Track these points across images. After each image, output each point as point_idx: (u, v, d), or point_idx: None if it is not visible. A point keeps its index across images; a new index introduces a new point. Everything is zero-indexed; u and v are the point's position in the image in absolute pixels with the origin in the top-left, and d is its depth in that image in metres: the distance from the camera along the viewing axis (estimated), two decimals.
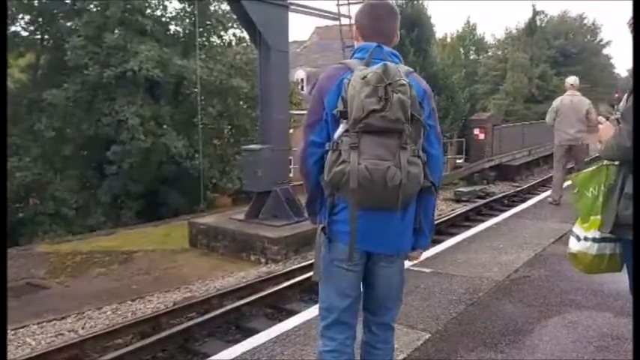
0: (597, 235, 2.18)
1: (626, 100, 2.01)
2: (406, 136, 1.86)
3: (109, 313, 7.66)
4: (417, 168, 1.89)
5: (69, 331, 7.03)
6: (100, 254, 11.26)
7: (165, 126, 17.29)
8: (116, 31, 16.45)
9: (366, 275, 2.10)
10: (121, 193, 17.16)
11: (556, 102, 7.95)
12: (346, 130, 1.88)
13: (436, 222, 10.86)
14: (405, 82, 1.87)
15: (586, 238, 2.22)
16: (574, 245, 2.29)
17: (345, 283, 2.06)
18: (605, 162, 2.19)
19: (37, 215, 16.09)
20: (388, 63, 1.91)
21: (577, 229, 2.28)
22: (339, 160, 1.85)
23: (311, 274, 2.11)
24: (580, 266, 2.32)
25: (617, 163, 2.11)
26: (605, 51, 37.63)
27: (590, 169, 2.26)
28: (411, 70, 2.05)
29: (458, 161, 20.91)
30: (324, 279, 2.10)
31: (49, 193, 16.34)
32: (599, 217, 2.15)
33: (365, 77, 1.85)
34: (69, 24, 17.68)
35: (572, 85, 7.88)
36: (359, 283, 2.11)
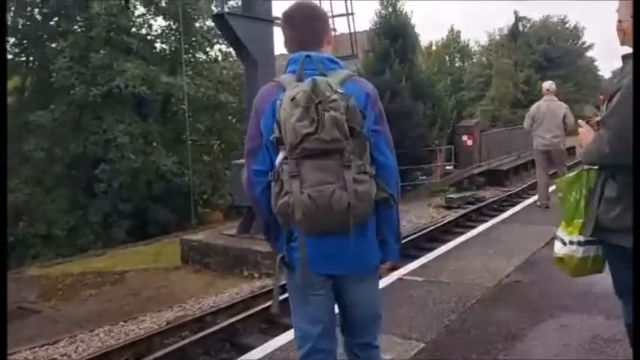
0: (581, 238, 2.20)
1: (606, 105, 2.03)
2: (348, 153, 1.74)
3: (101, 335, 7.58)
4: (366, 184, 1.77)
5: (61, 356, 6.96)
6: (91, 275, 11.17)
7: (154, 144, 17.28)
8: (102, 51, 16.48)
9: (337, 298, 2.03)
10: (111, 212, 17.09)
11: (533, 107, 8.08)
12: (285, 158, 1.77)
13: (428, 229, 10.90)
14: (335, 97, 1.72)
15: (571, 242, 2.23)
16: (560, 249, 2.30)
17: (313, 309, 1.98)
18: (586, 166, 2.21)
19: (28, 238, 15.97)
20: (317, 78, 1.77)
21: (561, 233, 2.29)
22: (282, 191, 1.75)
23: None
24: (566, 270, 2.34)
25: (596, 167, 2.13)
26: (589, 54, 38.12)
27: (572, 173, 2.28)
28: (350, 74, 1.92)
29: (447, 168, 21.00)
30: (293, 307, 2.05)
31: (39, 214, 16.23)
32: (582, 220, 2.17)
33: (294, 98, 1.72)
34: (54, 45, 17.70)
35: (548, 89, 7.98)
36: (330, 306, 2.03)
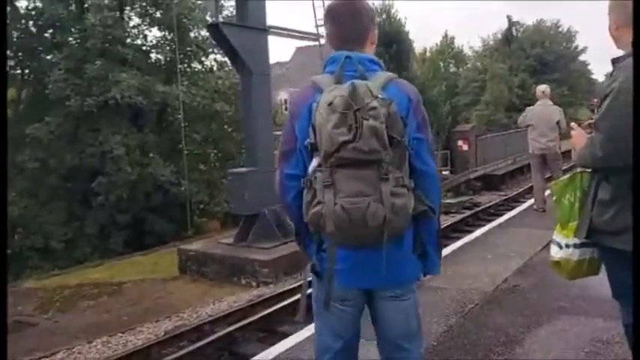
0: (577, 241, 2.20)
1: (598, 108, 2.04)
2: (386, 164, 1.63)
3: (99, 346, 7.54)
4: (404, 198, 1.66)
5: None
6: (89, 287, 11.13)
7: (151, 154, 17.27)
8: (97, 62, 16.48)
9: (372, 314, 1.93)
10: (108, 223, 17.03)
11: (527, 110, 8.12)
12: (319, 165, 1.67)
13: None
14: (375, 104, 1.61)
15: (567, 245, 2.23)
16: (556, 253, 2.29)
17: (337, 322, 1.89)
18: (579, 169, 2.22)
19: (24, 250, 15.90)
20: (356, 82, 1.66)
21: (557, 236, 2.29)
22: (315, 200, 1.65)
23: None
24: (563, 273, 2.34)
25: (589, 170, 2.14)
26: (582, 57, 38.32)
27: (566, 176, 2.29)
28: (392, 77, 1.81)
29: (444, 173, 21.06)
30: (316, 317, 1.96)
31: (35, 227, 16.17)
32: (577, 223, 2.18)
33: (331, 103, 1.62)
34: (49, 57, 17.70)
35: (543, 92, 8.01)
36: (355, 322, 1.93)
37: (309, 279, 1.97)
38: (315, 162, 1.70)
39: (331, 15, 1.91)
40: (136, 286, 10.91)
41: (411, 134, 1.75)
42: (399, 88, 1.79)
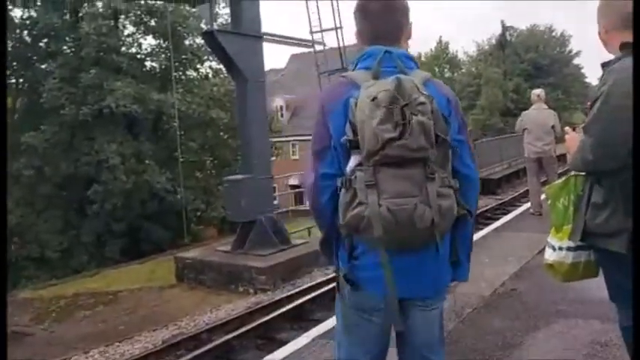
0: (572, 244, 2.20)
1: (589, 112, 2.05)
2: (432, 163, 1.55)
3: (96, 356, 7.51)
4: (450, 200, 1.58)
5: None
6: (85, 296, 11.08)
7: (146, 161, 17.25)
8: (92, 71, 16.49)
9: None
10: (104, 231, 16.99)
11: (523, 114, 8.15)
12: (359, 164, 1.57)
13: None
14: (424, 99, 1.54)
15: (560, 248, 2.22)
16: (550, 255, 2.28)
17: (369, 335, 1.76)
18: (573, 173, 2.23)
19: (20, 260, 15.82)
20: (401, 76, 1.58)
21: (551, 239, 2.28)
22: (355, 201, 1.54)
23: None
24: (557, 276, 2.33)
25: (583, 173, 2.15)
26: (576, 61, 38.54)
27: (560, 180, 2.29)
28: (429, 75, 1.72)
29: None
30: (342, 330, 1.82)
31: (31, 237, 16.11)
32: (571, 226, 2.18)
33: (375, 98, 1.53)
34: (44, 66, 17.70)
35: (538, 96, 8.04)
36: (385, 335, 1.80)
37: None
38: (354, 160, 1.59)
39: (364, 10, 1.80)
40: (133, 294, 10.87)
41: (453, 135, 1.66)
42: (437, 88, 1.72)
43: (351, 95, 1.61)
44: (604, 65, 2.05)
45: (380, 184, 1.52)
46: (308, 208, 1.92)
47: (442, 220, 1.55)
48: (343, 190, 1.59)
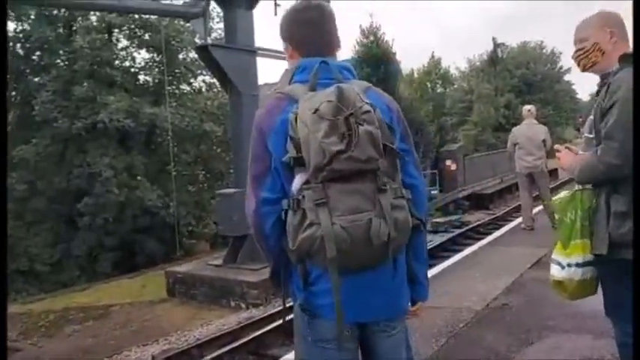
0: (580, 260, 2.16)
1: (601, 119, 2.04)
2: (382, 174, 1.47)
3: None
4: (404, 211, 1.50)
5: None
6: (75, 311, 10.95)
7: (139, 177, 17.20)
8: (85, 84, 16.48)
9: (364, 351, 1.68)
10: (96, 245, 16.86)
11: (514, 130, 8.22)
12: (306, 182, 1.46)
13: None
14: (368, 107, 1.46)
15: (569, 265, 2.18)
16: (558, 272, 2.23)
17: None
18: (577, 187, 2.20)
19: (9, 273, 15.64)
20: (342, 85, 1.49)
21: (557, 256, 2.23)
22: (305, 222, 1.43)
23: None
24: (565, 293, 2.27)
25: (588, 186, 2.13)
26: (566, 77, 38.95)
27: (566, 193, 2.24)
28: (368, 84, 1.65)
29: (432, 192, 21.15)
30: None
31: (21, 250, 15.95)
32: (578, 241, 2.14)
33: (317, 110, 1.43)
34: (37, 80, 17.68)
35: (529, 111, 8.12)
36: None
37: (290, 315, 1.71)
38: (300, 179, 1.48)
39: (302, 17, 1.70)
40: (123, 309, 10.76)
41: (397, 144, 1.58)
42: (379, 96, 1.65)
43: (289, 110, 1.52)
44: (604, 77, 2.09)
45: (331, 202, 1.42)
46: None
47: (398, 234, 1.47)
48: (291, 212, 1.48)
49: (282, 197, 1.54)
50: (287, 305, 1.74)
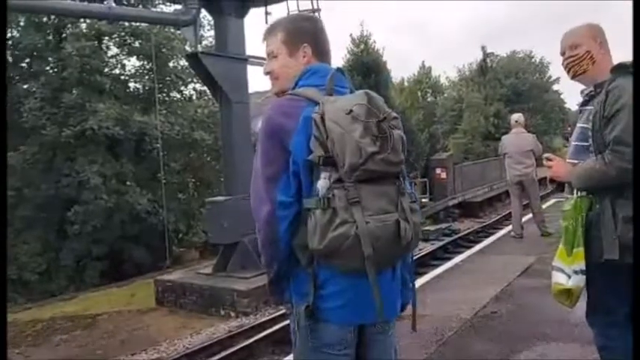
0: (583, 266, 2.16)
1: (604, 126, 2.04)
2: (402, 178, 1.56)
3: None
4: (419, 215, 1.58)
5: None
6: (62, 320, 10.83)
7: (127, 183, 17.11)
8: (74, 91, 16.40)
9: (359, 352, 1.68)
10: (84, 254, 16.70)
11: (503, 140, 8.31)
12: (337, 181, 1.48)
13: None
14: (396, 114, 1.56)
15: (576, 272, 2.18)
16: (566, 281, 2.20)
17: None
18: (576, 194, 2.21)
19: None
20: (369, 92, 1.56)
21: (561, 264, 2.22)
22: (336, 220, 1.45)
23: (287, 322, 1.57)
24: (568, 302, 2.25)
25: (585, 193, 2.15)
26: (555, 87, 39.30)
27: (570, 201, 2.23)
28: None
29: (423, 200, 21.21)
30: None
31: (11, 257, 15.78)
32: (581, 248, 2.14)
33: (351, 111, 1.48)
34: (25, 86, 17.57)
35: (516, 121, 8.20)
36: None
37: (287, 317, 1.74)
38: (324, 179, 1.49)
39: (320, 26, 1.79)
40: (112, 318, 10.66)
41: None
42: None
43: (308, 112, 1.54)
44: (597, 86, 2.12)
45: (362, 201, 1.46)
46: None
47: (416, 236, 1.54)
48: (318, 211, 1.47)
49: (296, 200, 1.56)
50: (287, 311, 1.74)
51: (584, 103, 2.26)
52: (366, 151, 1.45)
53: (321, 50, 1.76)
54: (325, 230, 1.46)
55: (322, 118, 1.50)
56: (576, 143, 2.25)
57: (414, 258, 1.82)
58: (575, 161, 2.22)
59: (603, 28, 2.29)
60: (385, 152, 1.47)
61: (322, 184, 1.50)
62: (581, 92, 2.31)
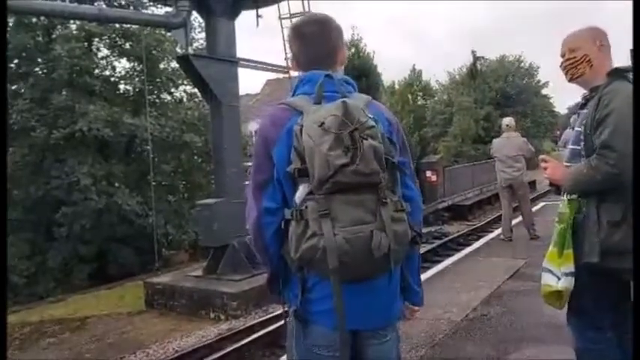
0: (572, 268, 2.18)
1: (594, 130, 2.06)
2: (383, 187, 1.52)
3: None
4: (404, 224, 1.56)
5: None
6: (50, 323, 10.73)
7: (116, 184, 16.99)
8: (64, 93, 16.27)
9: (353, 357, 1.70)
10: (72, 256, 16.55)
11: (494, 143, 8.38)
12: (310, 193, 1.50)
13: None
14: (372, 122, 1.51)
15: (565, 274, 2.20)
16: (556, 283, 2.21)
17: None
18: (565, 197, 2.22)
19: None
20: (347, 100, 1.53)
21: (551, 266, 2.24)
22: (307, 232, 1.47)
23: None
24: (557, 303, 2.28)
25: (575, 196, 2.17)
26: (544, 91, 39.59)
27: (565, 204, 2.24)
28: (369, 98, 1.70)
29: None
30: None
31: None
32: (570, 250, 2.17)
33: (322, 123, 1.47)
34: (14, 88, 17.41)
35: (507, 125, 8.27)
36: None
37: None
38: (303, 190, 1.53)
39: (300, 34, 1.75)
40: (101, 321, 10.58)
41: (396, 157, 1.63)
42: (379, 110, 1.70)
43: (294, 122, 1.56)
44: (592, 90, 2.15)
45: (334, 213, 1.47)
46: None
47: (398, 247, 1.53)
48: (294, 222, 1.51)
49: (283, 207, 1.59)
50: (284, 309, 1.78)
51: (582, 107, 2.28)
52: (334, 164, 1.45)
53: (311, 56, 1.76)
54: (299, 241, 1.50)
55: (301, 130, 1.52)
56: (572, 147, 2.26)
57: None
58: (571, 164, 2.24)
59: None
60: (355, 164, 1.45)
61: (298, 195, 1.53)
62: (582, 96, 2.33)
